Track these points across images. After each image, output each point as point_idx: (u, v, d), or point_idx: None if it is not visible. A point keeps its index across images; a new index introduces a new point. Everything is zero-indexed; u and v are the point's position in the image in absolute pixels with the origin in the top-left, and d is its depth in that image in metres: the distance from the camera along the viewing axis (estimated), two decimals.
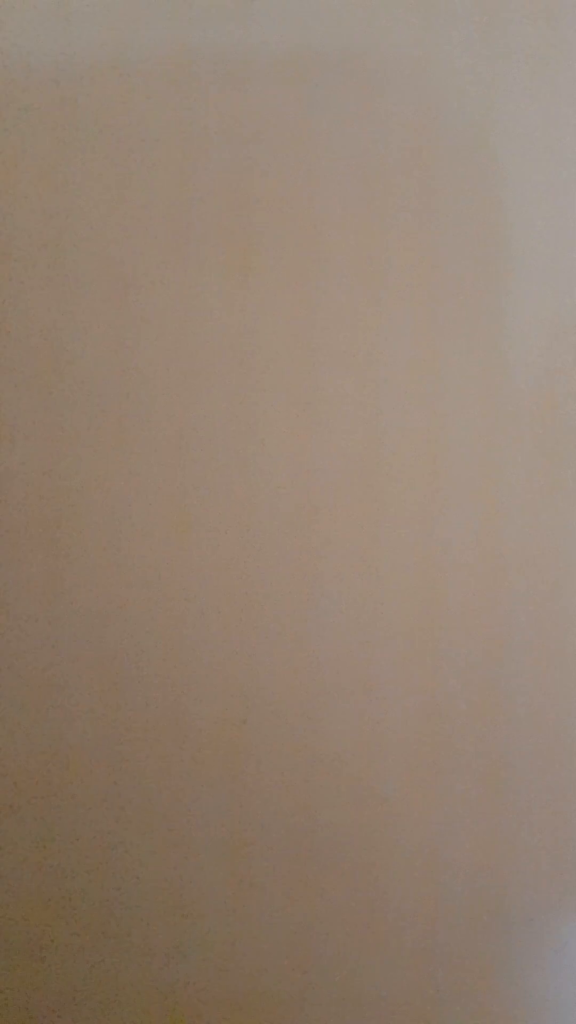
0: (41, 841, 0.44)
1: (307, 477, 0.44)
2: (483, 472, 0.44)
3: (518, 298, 0.44)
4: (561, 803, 0.43)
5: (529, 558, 0.44)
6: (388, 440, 0.44)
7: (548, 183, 0.45)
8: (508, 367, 0.44)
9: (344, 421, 0.44)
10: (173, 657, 0.44)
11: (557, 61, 0.45)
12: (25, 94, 0.46)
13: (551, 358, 0.44)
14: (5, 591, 0.44)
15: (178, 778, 0.44)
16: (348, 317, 0.45)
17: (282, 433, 0.44)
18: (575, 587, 0.44)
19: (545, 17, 0.45)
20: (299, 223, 0.45)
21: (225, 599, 0.44)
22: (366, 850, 0.43)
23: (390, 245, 0.45)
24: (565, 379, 0.44)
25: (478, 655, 0.43)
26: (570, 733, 0.43)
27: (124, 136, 0.45)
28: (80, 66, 0.46)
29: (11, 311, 0.45)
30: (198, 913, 0.43)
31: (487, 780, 0.43)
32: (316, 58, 0.45)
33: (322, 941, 0.43)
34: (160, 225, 0.45)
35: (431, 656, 0.44)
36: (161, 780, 0.44)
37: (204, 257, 0.45)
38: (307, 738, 0.43)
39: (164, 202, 0.45)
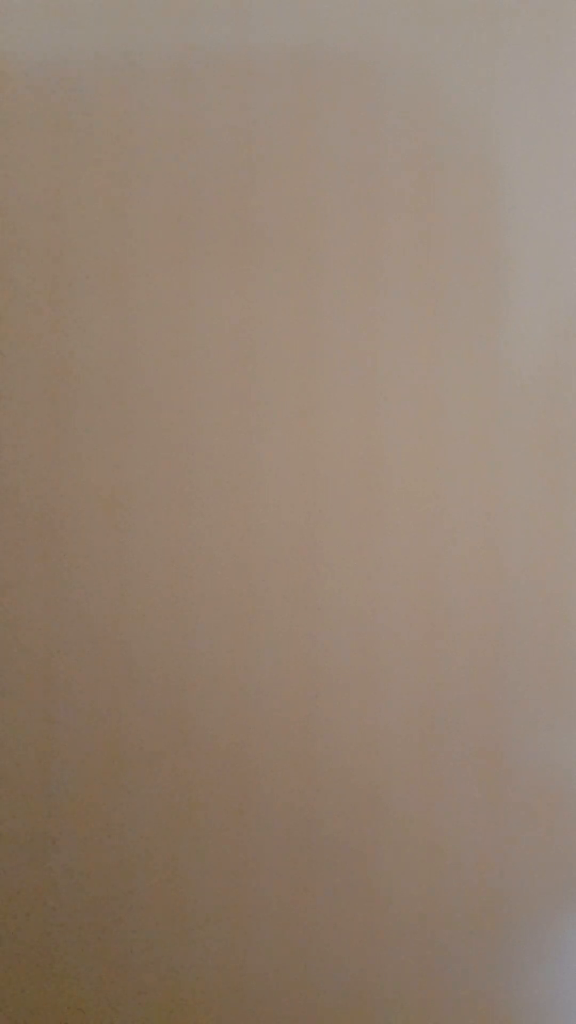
0: (40, 841, 0.44)
1: (307, 476, 0.44)
2: (483, 472, 0.44)
3: (518, 298, 0.44)
4: (561, 803, 0.43)
5: (530, 559, 0.44)
6: (388, 440, 0.44)
7: (549, 183, 0.45)
8: (508, 367, 0.44)
9: (344, 421, 0.44)
10: (173, 657, 0.44)
11: (557, 61, 0.45)
12: (25, 94, 0.46)
13: (551, 358, 0.44)
14: (5, 592, 0.44)
15: (178, 779, 0.44)
16: (348, 317, 0.45)
17: (282, 432, 0.44)
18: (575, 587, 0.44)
19: (545, 17, 0.45)
20: (299, 223, 0.45)
21: (225, 600, 0.44)
22: (366, 850, 0.43)
23: (390, 245, 0.45)
24: (566, 379, 0.44)
25: (478, 656, 0.43)
26: (571, 733, 0.43)
27: (124, 136, 0.45)
28: (80, 66, 0.46)
29: (10, 311, 0.45)
30: (198, 913, 0.43)
31: (487, 780, 0.43)
32: (316, 58, 0.45)
33: (322, 941, 0.43)
34: (160, 225, 0.45)
35: (431, 657, 0.44)
36: (161, 781, 0.44)
37: (204, 257, 0.45)
38: (307, 739, 0.43)
39: (164, 201, 0.45)
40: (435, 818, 0.43)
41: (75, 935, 0.43)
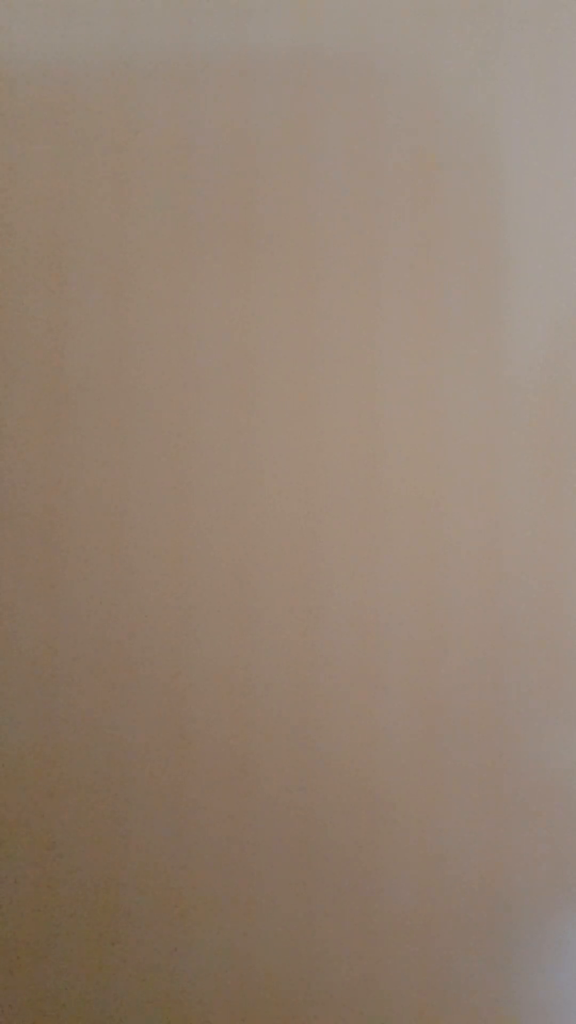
0: (41, 842, 0.44)
1: (307, 476, 0.44)
2: (483, 471, 0.44)
3: (518, 297, 0.44)
4: (561, 803, 0.43)
5: (530, 558, 0.44)
6: (388, 439, 0.44)
7: (548, 182, 0.45)
8: (508, 366, 0.44)
9: (344, 421, 0.44)
10: (173, 657, 0.44)
11: (557, 61, 0.45)
12: (25, 94, 0.46)
13: (551, 357, 0.44)
14: (5, 592, 0.44)
15: (179, 780, 0.44)
16: (348, 317, 0.45)
17: (282, 432, 0.44)
18: (575, 586, 0.44)
19: (545, 17, 0.45)
20: (299, 223, 0.45)
21: (226, 599, 0.44)
22: (366, 851, 0.43)
23: (390, 245, 0.45)
24: (565, 378, 0.44)
25: (478, 655, 0.43)
26: (571, 733, 0.43)
27: (124, 136, 0.45)
28: (80, 66, 0.46)
29: (11, 312, 0.45)
30: (198, 913, 0.43)
31: (487, 780, 0.43)
32: (316, 58, 0.45)
33: (322, 941, 0.43)
34: (160, 225, 0.45)
35: (431, 656, 0.44)
36: (161, 781, 0.44)
37: (204, 257, 0.45)
38: (307, 738, 0.43)
39: (164, 202, 0.45)
40: (435, 818, 0.43)
41: (75, 934, 0.43)
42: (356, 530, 0.44)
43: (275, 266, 0.45)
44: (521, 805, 0.43)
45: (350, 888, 0.43)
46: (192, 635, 0.44)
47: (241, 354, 0.45)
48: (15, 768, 0.44)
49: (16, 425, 0.45)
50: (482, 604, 0.44)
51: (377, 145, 0.45)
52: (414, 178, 0.45)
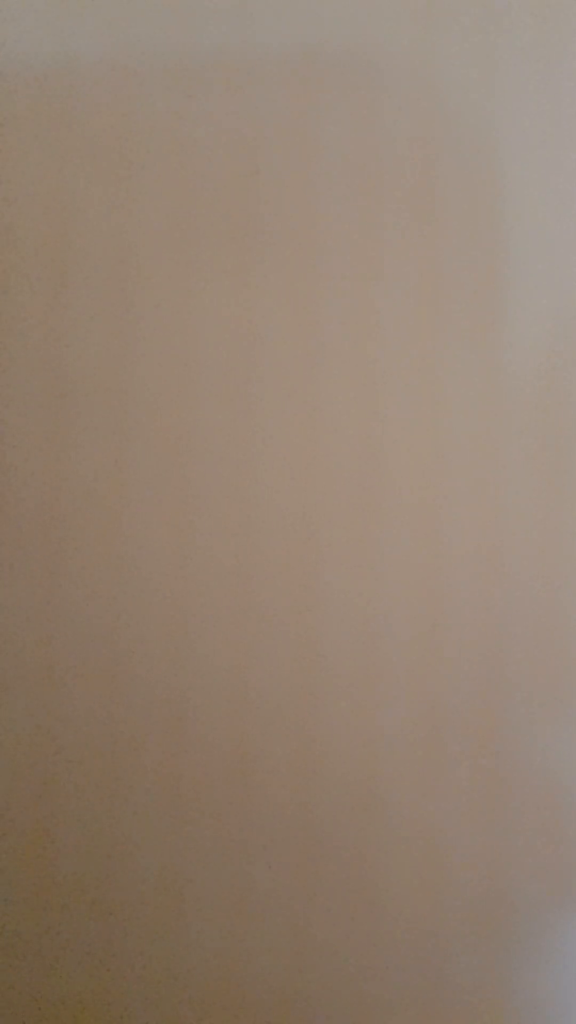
0: (40, 840, 0.44)
1: (307, 476, 0.44)
2: (483, 471, 0.44)
3: (519, 297, 0.44)
4: (560, 802, 0.43)
5: (530, 558, 0.44)
6: (388, 439, 0.44)
7: (549, 182, 0.45)
8: (509, 366, 0.44)
9: (344, 421, 0.44)
10: (173, 655, 0.44)
11: (557, 61, 0.45)
12: (25, 94, 0.46)
13: (551, 358, 0.44)
14: (5, 591, 0.44)
15: (178, 778, 0.44)
16: (348, 317, 0.45)
17: (282, 432, 0.44)
18: (575, 586, 0.44)
19: (545, 17, 0.45)
20: (299, 223, 0.45)
21: (225, 598, 0.44)
22: (366, 849, 0.43)
23: (391, 245, 0.45)
24: (566, 379, 0.44)
25: (478, 655, 0.43)
26: (570, 732, 0.43)
27: (125, 136, 0.45)
28: (80, 66, 0.46)
29: (11, 312, 0.45)
30: (197, 912, 0.43)
31: (487, 779, 0.43)
32: (316, 58, 0.45)
33: (322, 940, 0.43)
34: (160, 226, 0.45)
35: (431, 656, 0.44)
36: (161, 780, 0.44)
37: (204, 258, 0.45)
38: (307, 739, 0.43)
39: (164, 202, 0.45)
40: (435, 818, 0.43)
41: (75, 936, 0.43)
42: (356, 529, 0.44)
43: (275, 265, 0.45)
44: (521, 805, 0.43)
45: (350, 888, 0.43)
46: (192, 634, 0.44)
47: (241, 353, 0.45)
48: (15, 766, 0.44)
49: (16, 425, 0.45)
50: (482, 603, 0.44)
51: (377, 145, 0.45)
52: (414, 178, 0.45)
